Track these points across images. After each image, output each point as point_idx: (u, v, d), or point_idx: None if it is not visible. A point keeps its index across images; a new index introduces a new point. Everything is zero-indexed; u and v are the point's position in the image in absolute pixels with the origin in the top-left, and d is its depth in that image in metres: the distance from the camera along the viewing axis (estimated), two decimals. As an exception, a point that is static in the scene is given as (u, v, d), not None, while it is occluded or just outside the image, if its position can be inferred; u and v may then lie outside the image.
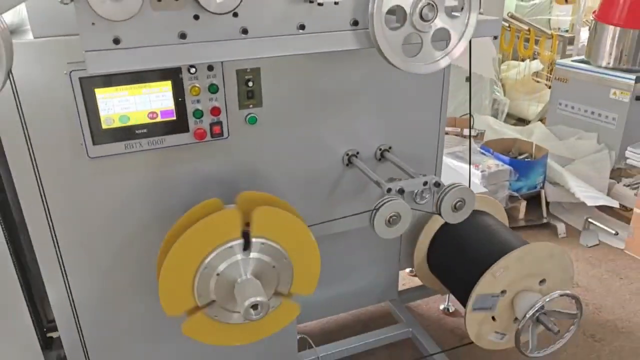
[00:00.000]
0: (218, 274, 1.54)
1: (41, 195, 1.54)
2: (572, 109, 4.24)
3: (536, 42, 4.91)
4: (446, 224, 2.40)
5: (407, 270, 3.08)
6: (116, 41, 1.23)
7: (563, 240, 3.54)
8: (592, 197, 3.51)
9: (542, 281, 2.09)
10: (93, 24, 1.20)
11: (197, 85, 1.55)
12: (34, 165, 1.49)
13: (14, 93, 1.39)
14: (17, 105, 1.41)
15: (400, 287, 2.75)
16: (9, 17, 1.49)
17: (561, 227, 3.61)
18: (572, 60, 4.29)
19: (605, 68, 4.00)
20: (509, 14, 5.00)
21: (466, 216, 1.78)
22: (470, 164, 2.15)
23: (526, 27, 4.90)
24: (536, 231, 3.67)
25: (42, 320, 1.94)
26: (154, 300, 1.56)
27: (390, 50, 1.39)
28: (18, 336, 1.75)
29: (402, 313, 2.63)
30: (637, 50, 3.83)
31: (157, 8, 1.24)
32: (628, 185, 3.76)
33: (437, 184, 1.74)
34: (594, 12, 4.08)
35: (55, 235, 1.59)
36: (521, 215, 3.74)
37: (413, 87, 1.92)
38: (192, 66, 1.53)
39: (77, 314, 1.74)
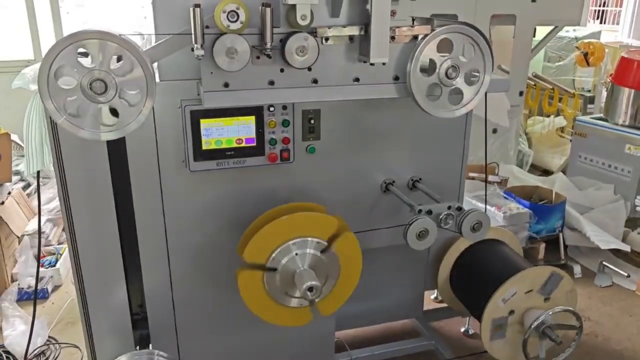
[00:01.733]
0: (296, 254, 1.97)
1: (161, 196, 2.02)
2: (591, 161, 4.60)
3: (561, 99, 5.33)
4: (466, 249, 2.81)
5: (432, 297, 3.44)
6: (226, 85, 1.74)
7: (578, 280, 3.84)
8: (605, 241, 3.82)
9: (547, 299, 2.44)
10: (212, 73, 1.71)
11: (274, 120, 2.04)
12: (159, 171, 1.98)
13: (153, 119, 1.89)
14: (154, 127, 1.92)
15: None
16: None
17: (577, 268, 3.91)
18: (591, 117, 4.69)
19: (622, 125, 4.38)
20: (533, 74, 5.45)
21: (483, 236, 2.18)
22: (486, 200, 2.55)
23: (550, 86, 5.34)
24: (554, 271, 3.97)
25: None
26: (234, 292, 1.99)
27: (421, 99, 1.86)
28: (115, 311, 2.19)
29: (426, 329, 2.98)
30: (650, 111, 4.21)
31: (256, 63, 1.74)
32: (642, 233, 4.06)
33: (459, 208, 2.15)
34: (610, 75, 4.51)
35: (166, 230, 2.06)
36: (540, 255, 4.06)
37: (440, 130, 2.36)
38: (271, 105, 2.02)
39: (173, 299, 2.18)
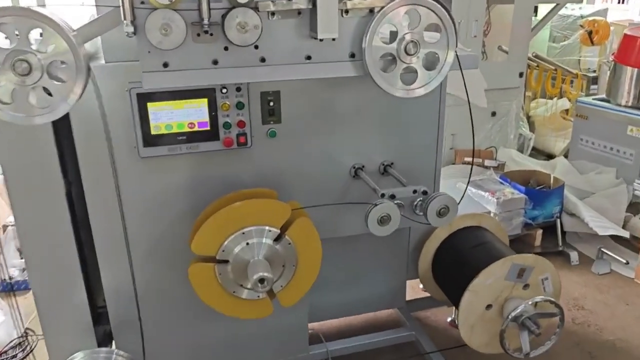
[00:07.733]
0: (247, 244, 1.87)
1: (115, 186, 1.94)
2: (593, 144, 4.42)
3: (564, 80, 5.13)
4: (447, 238, 2.69)
5: (421, 286, 3.33)
6: (165, 65, 1.64)
7: (575, 267, 3.69)
8: (603, 226, 3.66)
9: (526, 286, 2.32)
10: (149, 52, 1.61)
11: (227, 102, 1.94)
12: (112, 159, 1.90)
13: (101, 103, 1.81)
14: (102, 113, 1.83)
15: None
16: (88, 45, 1.92)
17: (574, 255, 3.76)
18: (593, 99, 4.50)
19: (624, 106, 4.20)
20: (533, 54, 5.25)
21: (449, 221, 2.06)
22: (468, 184, 2.41)
23: (553, 67, 5.14)
24: (550, 258, 3.78)
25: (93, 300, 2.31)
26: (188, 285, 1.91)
27: (378, 77, 1.74)
28: (74, 309, 2.12)
29: (409, 319, 2.87)
30: (653, 90, 4.02)
31: (196, 41, 1.64)
32: (644, 219, 3.88)
33: (425, 192, 2.04)
34: (613, 53, 4.31)
35: (123, 221, 1.98)
36: (537, 242, 3.92)
37: (412, 112, 2.23)
38: (224, 87, 1.92)
39: (136, 290, 2.10)
